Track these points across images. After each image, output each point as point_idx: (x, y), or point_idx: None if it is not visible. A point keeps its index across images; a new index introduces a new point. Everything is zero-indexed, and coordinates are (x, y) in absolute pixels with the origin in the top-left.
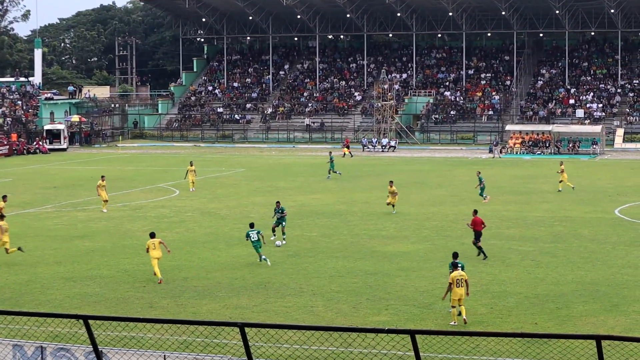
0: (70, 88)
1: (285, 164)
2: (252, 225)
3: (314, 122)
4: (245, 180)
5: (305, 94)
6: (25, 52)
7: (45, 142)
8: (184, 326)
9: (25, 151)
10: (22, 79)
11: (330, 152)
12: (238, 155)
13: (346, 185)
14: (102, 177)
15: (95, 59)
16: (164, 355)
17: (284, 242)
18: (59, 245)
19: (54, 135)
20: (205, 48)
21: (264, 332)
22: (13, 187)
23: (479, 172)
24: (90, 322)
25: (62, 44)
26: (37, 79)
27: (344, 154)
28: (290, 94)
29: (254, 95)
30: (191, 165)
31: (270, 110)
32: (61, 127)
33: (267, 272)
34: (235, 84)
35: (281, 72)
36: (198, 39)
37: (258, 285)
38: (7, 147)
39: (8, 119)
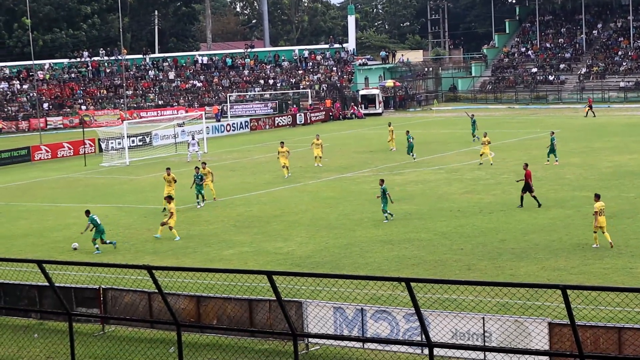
0: (383, 53)
1: (600, 124)
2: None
3: (628, 82)
4: (560, 141)
5: (619, 52)
6: (339, 19)
7: (361, 107)
8: (503, 288)
9: (341, 116)
10: (336, 45)
11: (473, 115)
12: (552, 116)
13: None
14: (282, 143)
15: (408, 23)
16: (483, 318)
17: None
18: (376, 209)
19: (369, 100)
20: (517, 9)
21: (586, 294)
22: (330, 151)
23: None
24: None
25: (374, 10)
26: (350, 45)
27: (586, 113)
28: (604, 53)
29: (567, 55)
30: (317, 139)
31: (584, 70)
32: (376, 92)
33: (585, 234)
34: (548, 45)
35: (594, 32)
36: (510, 1)
37: (576, 247)
38: (324, 112)
39: (324, 85)
